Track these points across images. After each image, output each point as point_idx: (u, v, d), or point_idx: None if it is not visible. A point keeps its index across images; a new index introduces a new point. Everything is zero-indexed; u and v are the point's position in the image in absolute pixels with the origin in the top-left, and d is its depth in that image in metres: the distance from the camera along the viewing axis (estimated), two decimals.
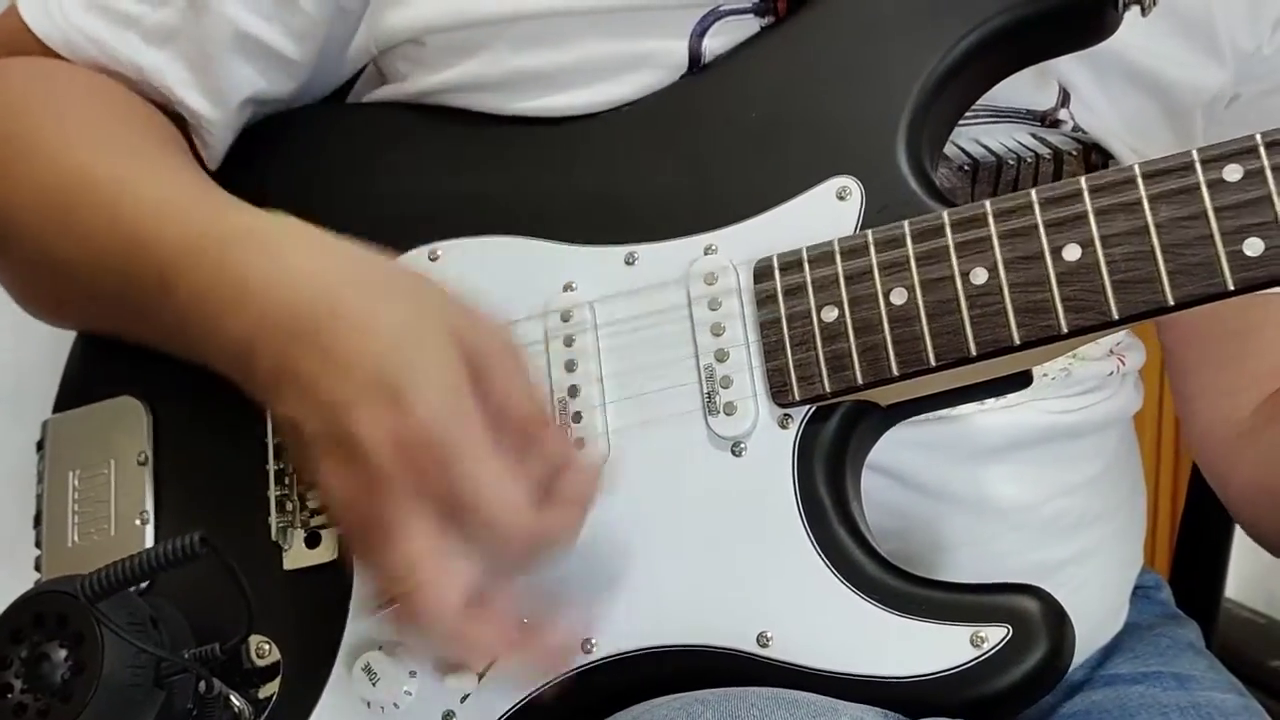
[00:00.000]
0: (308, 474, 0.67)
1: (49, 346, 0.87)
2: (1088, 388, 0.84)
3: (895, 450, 0.77)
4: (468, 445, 0.62)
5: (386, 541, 0.62)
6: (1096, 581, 0.85)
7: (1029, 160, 0.79)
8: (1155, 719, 0.82)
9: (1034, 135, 0.78)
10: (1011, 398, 0.80)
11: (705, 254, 0.73)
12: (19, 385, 0.96)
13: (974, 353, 0.66)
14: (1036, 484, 0.81)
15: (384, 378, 0.62)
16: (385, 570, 0.63)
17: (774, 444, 0.70)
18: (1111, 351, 0.86)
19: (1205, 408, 0.90)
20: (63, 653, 0.72)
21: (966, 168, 0.79)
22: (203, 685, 0.73)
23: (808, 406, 0.69)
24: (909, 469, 0.79)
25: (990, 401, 0.80)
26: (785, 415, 0.70)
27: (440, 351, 0.63)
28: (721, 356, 0.71)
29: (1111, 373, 0.85)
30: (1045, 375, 0.82)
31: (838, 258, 0.70)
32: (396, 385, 0.62)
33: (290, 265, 0.67)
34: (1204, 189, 0.64)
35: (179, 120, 0.83)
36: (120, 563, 0.68)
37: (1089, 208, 0.65)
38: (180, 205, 0.73)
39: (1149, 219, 0.64)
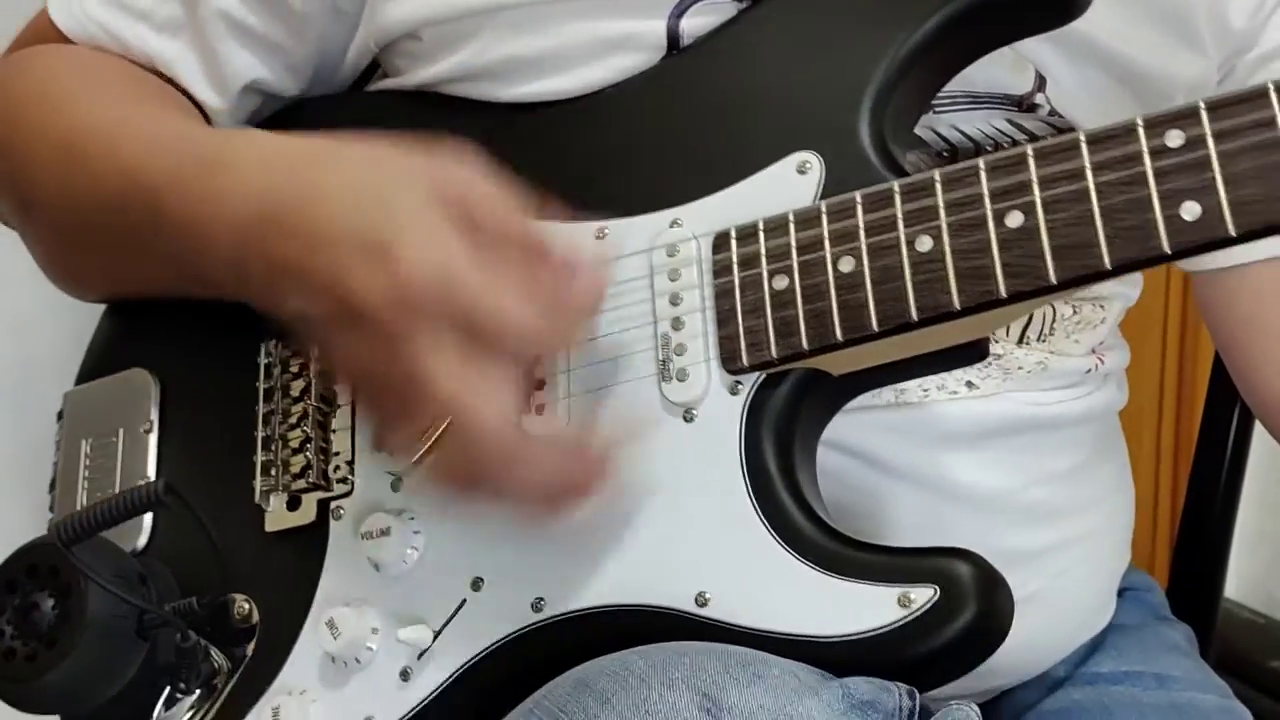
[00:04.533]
0: (329, 365, 0.69)
1: (50, 345, 0.92)
2: (1064, 383, 0.83)
3: (869, 434, 0.78)
4: (463, 272, 0.63)
5: (418, 392, 0.63)
6: (1078, 572, 0.84)
7: (1005, 145, 0.79)
8: (1132, 718, 0.80)
9: (1010, 121, 0.79)
10: (987, 388, 0.80)
11: (671, 227, 0.74)
12: (22, 381, 1.00)
13: (915, 318, 0.67)
14: (1012, 471, 0.81)
15: (365, 238, 0.64)
16: (425, 416, 0.64)
17: (723, 410, 0.70)
18: (1093, 351, 0.86)
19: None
20: (50, 602, 0.75)
21: (945, 154, 0.79)
22: (180, 638, 0.76)
23: (757, 373, 0.70)
24: (884, 453, 0.79)
25: (965, 390, 0.80)
26: (736, 382, 0.71)
27: (414, 198, 0.64)
28: (677, 325, 0.72)
29: (1090, 370, 0.85)
30: (1021, 369, 0.82)
31: (791, 228, 0.70)
32: (379, 241, 0.63)
33: (248, 172, 0.70)
34: (1145, 154, 0.63)
35: None
36: (91, 506, 0.72)
37: (1033, 175, 0.65)
38: (167, 138, 0.77)
39: (1091, 185, 0.64)
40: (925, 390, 0.79)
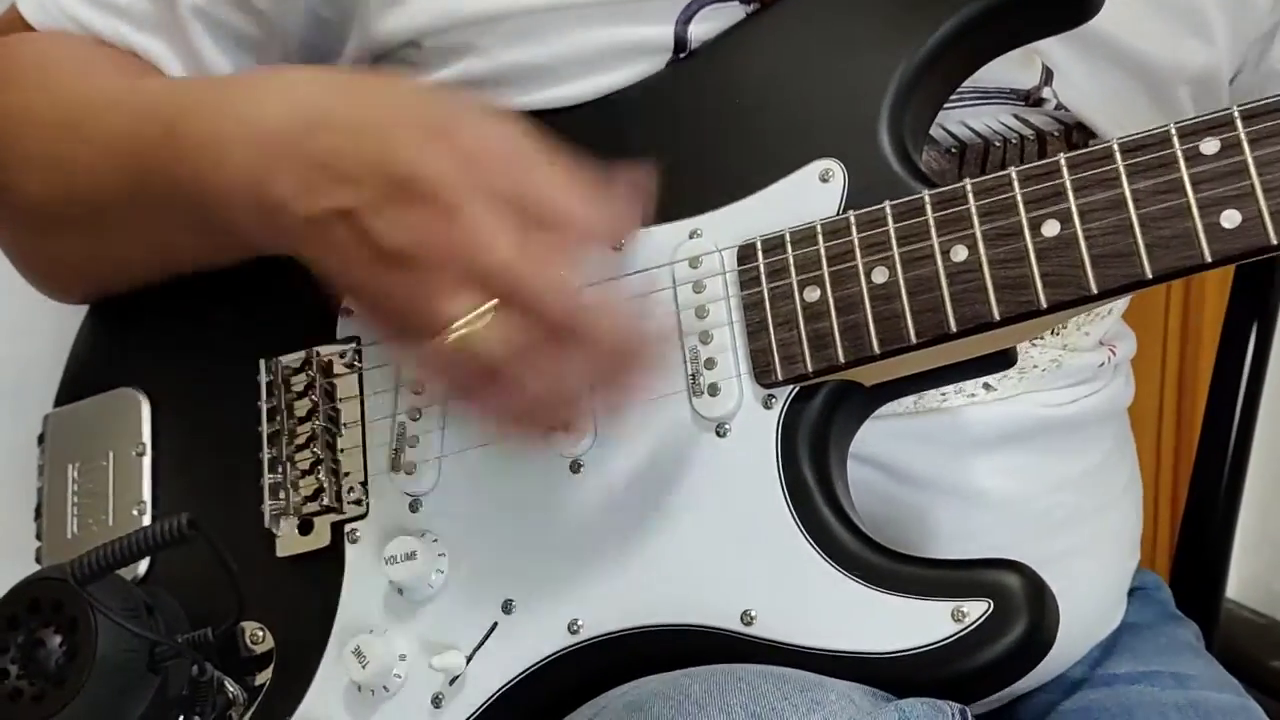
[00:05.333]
0: (355, 257, 0.66)
1: (50, 342, 0.89)
2: (1079, 379, 0.84)
3: (888, 442, 0.77)
4: (522, 148, 0.65)
5: (474, 259, 0.63)
6: (1093, 575, 0.85)
7: (1014, 141, 0.79)
8: (1153, 718, 0.81)
9: (1017, 116, 0.79)
10: (1005, 390, 0.80)
11: (690, 238, 0.73)
12: (20, 380, 0.97)
13: (954, 329, 0.66)
14: (1031, 477, 0.81)
15: (424, 120, 0.65)
16: (477, 286, 0.63)
17: (758, 424, 0.70)
18: (1102, 342, 0.86)
19: None
20: (57, 638, 0.73)
21: (954, 150, 0.79)
22: (195, 669, 0.74)
23: (791, 386, 0.70)
24: (902, 461, 0.79)
25: (983, 393, 0.80)
26: (769, 396, 0.70)
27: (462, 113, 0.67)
28: (706, 338, 0.71)
29: (1103, 363, 0.85)
30: (1036, 367, 0.82)
31: (820, 238, 0.70)
32: (437, 118, 0.65)
33: (288, 79, 0.72)
34: (1181, 162, 0.64)
35: None
36: (110, 544, 0.69)
37: (1067, 183, 0.66)
38: (182, 83, 0.81)
39: (1126, 193, 0.64)
40: (944, 395, 0.79)
